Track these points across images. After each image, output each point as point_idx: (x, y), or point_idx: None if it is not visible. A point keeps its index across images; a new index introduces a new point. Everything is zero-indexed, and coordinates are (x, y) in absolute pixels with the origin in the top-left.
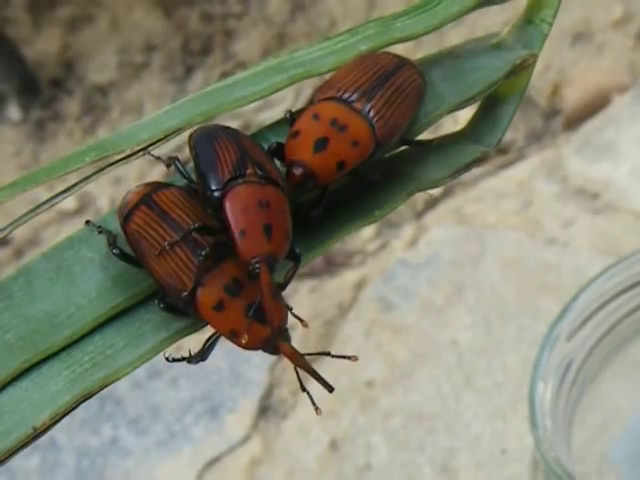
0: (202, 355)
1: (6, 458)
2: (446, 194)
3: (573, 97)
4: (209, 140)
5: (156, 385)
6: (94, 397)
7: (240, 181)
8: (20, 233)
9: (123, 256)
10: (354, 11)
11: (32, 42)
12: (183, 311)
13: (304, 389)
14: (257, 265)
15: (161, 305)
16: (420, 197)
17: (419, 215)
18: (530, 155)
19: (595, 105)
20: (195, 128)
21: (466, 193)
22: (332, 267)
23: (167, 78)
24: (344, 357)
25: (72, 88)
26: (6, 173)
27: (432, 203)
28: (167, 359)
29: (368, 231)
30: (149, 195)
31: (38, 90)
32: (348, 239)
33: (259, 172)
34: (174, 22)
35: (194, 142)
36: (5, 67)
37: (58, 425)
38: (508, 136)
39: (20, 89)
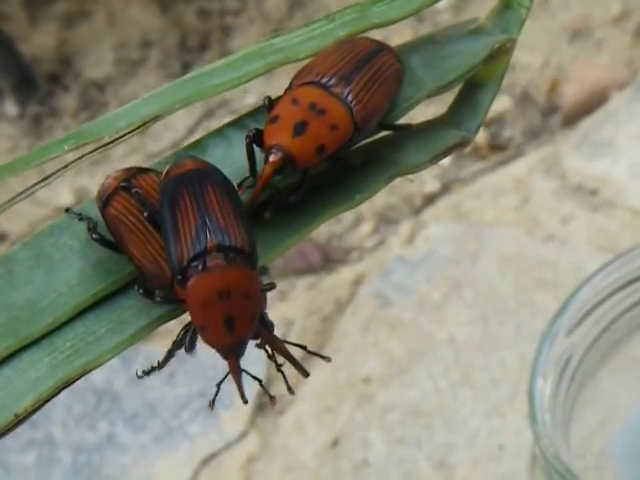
0: (189, 347)
1: None
2: (444, 191)
3: (571, 94)
4: (171, 205)
5: (153, 381)
6: (91, 393)
7: (199, 264)
8: (17, 228)
9: (103, 241)
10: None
11: (29, 38)
12: (161, 297)
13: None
14: (224, 354)
15: (140, 291)
16: (418, 194)
17: (417, 212)
18: (528, 152)
19: (593, 102)
20: (167, 170)
21: (464, 190)
22: (329, 264)
23: (164, 74)
24: (319, 356)
25: (69, 84)
26: None
27: (430, 200)
28: (139, 377)
29: (366, 227)
30: (128, 180)
31: (35, 86)
32: (345, 236)
33: (221, 241)
34: (171, 18)
35: (160, 199)
36: (2, 63)
37: (54, 421)
38: (506, 133)
39: (17, 85)
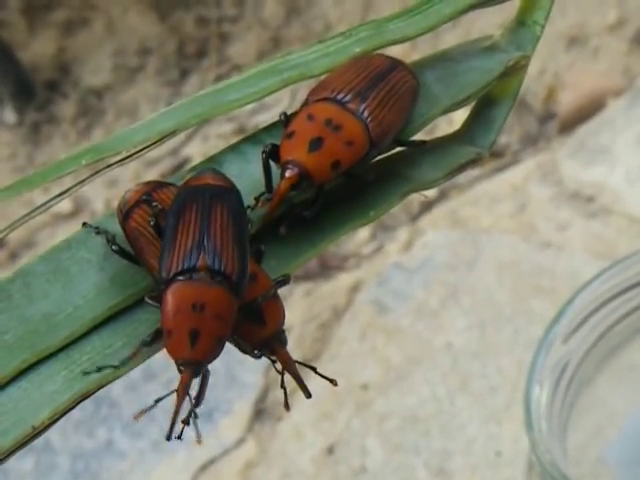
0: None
1: (6, 457)
2: (441, 198)
3: (568, 101)
4: (177, 214)
5: (151, 387)
6: (89, 399)
7: (182, 278)
8: (15, 236)
9: (122, 253)
10: (349, 14)
11: (27, 45)
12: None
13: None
14: (180, 367)
15: (149, 301)
16: (415, 201)
17: (414, 218)
18: (525, 159)
19: (590, 109)
20: (188, 178)
21: (461, 197)
22: (327, 270)
23: (162, 81)
24: (328, 379)
25: (67, 91)
26: (1, 176)
27: (427, 207)
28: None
29: (363, 234)
30: (149, 193)
31: (33, 93)
32: (343, 242)
33: (211, 263)
34: (169, 25)
35: (172, 203)
36: (0, 70)
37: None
38: (503, 140)
39: (15, 92)
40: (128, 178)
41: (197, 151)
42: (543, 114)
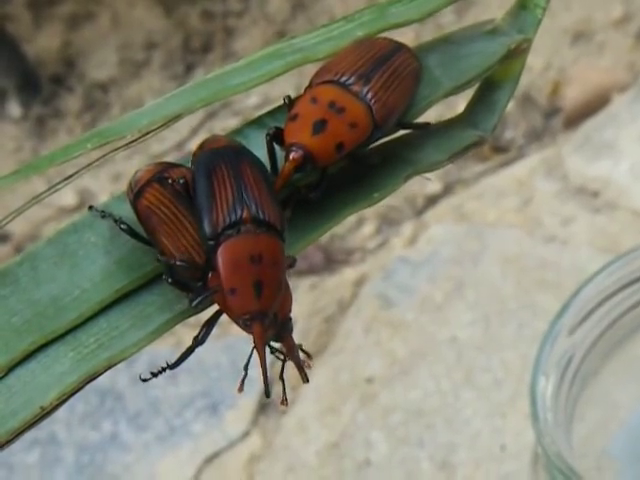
0: (201, 339)
1: (15, 437)
2: (446, 192)
3: (573, 96)
4: (208, 174)
5: (156, 381)
6: (94, 392)
7: (233, 233)
8: (20, 229)
9: (131, 232)
10: (354, 9)
11: (33, 39)
12: (190, 287)
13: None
14: (248, 322)
15: (169, 280)
16: (420, 195)
17: (419, 213)
18: (530, 153)
19: (595, 104)
20: (201, 143)
21: (466, 191)
22: (332, 264)
23: (167, 76)
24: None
25: (73, 85)
26: (6, 170)
27: (432, 201)
28: (143, 380)
29: (368, 228)
30: (161, 172)
31: (38, 87)
32: (348, 236)
33: (255, 214)
34: (175, 20)
35: (194, 169)
36: (5, 64)
37: (58, 420)
38: (508, 134)
39: (20, 86)
40: (133, 172)
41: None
42: (548, 109)
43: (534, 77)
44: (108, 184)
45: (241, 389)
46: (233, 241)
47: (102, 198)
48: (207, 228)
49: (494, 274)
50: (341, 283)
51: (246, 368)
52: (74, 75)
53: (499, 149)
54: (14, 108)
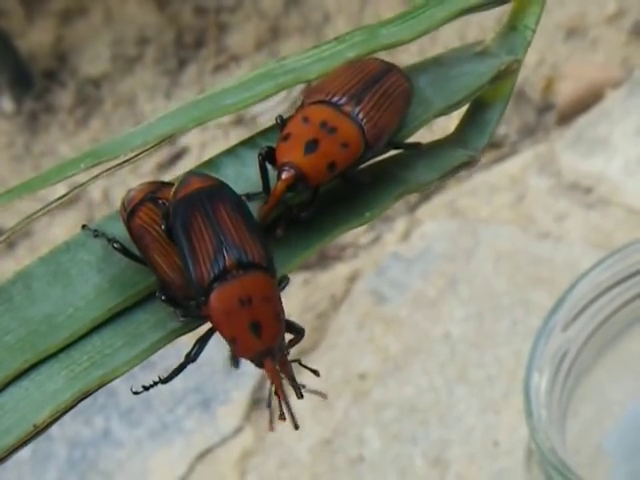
0: (193, 356)
1: (8, 455)
2: (439, 188)
3: (566, 92)
4: (184, 228)
5: (149, 377)
6: None
7: (218, 284)
8: (11, 225)
9: (124, 251)
10: (347, 5)
11: (25, 34)
12: (183, 306)
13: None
14: (257, 362)
15: (162, 298)
16: None
17: (412, 209)
18: (523, 149)
19: (588, 100)
20: (175, 189)
21: (459, 187)
22: (325, 260)
23: (160, 71)
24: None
25: (65, 80)
26: None
27: (425, 197)
28: (135, 393)
29: None
30: (153, 192)
31: (31, 82)
32: None
33: (238, 258)
34: (167, 15)
35: (172, 221)
36: None
37: None
38: (501, 130)
39: (13, 81)
40: (125, 168)
41: (195, 140)
42: (541, 105)
43: (527, 73)
44: (100, 180)
45: (271, 429)
46: (219, 291)
47: (94, 193)
48: (196, 286)
49: (487, 270)
50: (334, 279)
51: (269, 404)
52: (67, 70)
53: (492, 145)
54: (6, 103)
